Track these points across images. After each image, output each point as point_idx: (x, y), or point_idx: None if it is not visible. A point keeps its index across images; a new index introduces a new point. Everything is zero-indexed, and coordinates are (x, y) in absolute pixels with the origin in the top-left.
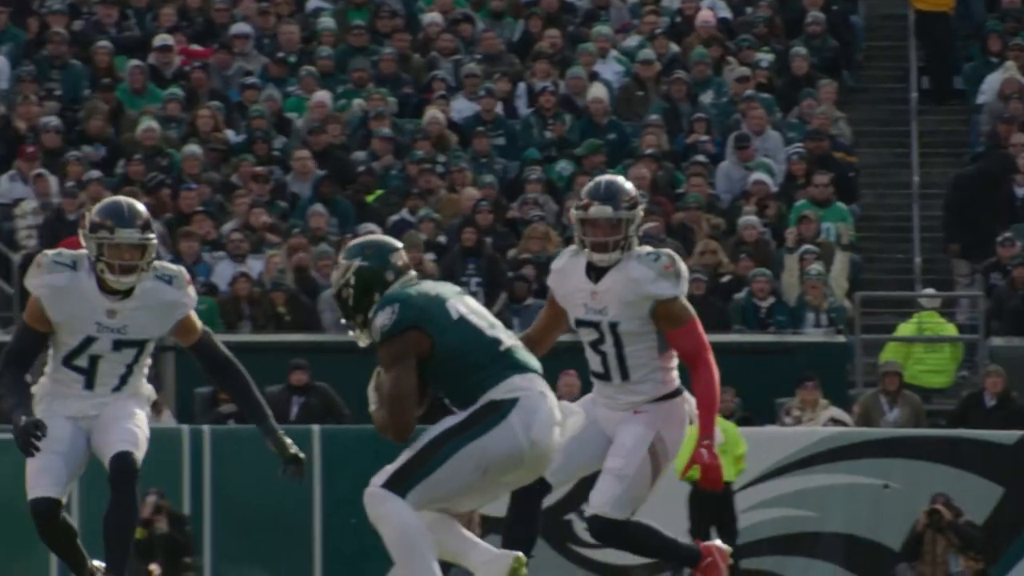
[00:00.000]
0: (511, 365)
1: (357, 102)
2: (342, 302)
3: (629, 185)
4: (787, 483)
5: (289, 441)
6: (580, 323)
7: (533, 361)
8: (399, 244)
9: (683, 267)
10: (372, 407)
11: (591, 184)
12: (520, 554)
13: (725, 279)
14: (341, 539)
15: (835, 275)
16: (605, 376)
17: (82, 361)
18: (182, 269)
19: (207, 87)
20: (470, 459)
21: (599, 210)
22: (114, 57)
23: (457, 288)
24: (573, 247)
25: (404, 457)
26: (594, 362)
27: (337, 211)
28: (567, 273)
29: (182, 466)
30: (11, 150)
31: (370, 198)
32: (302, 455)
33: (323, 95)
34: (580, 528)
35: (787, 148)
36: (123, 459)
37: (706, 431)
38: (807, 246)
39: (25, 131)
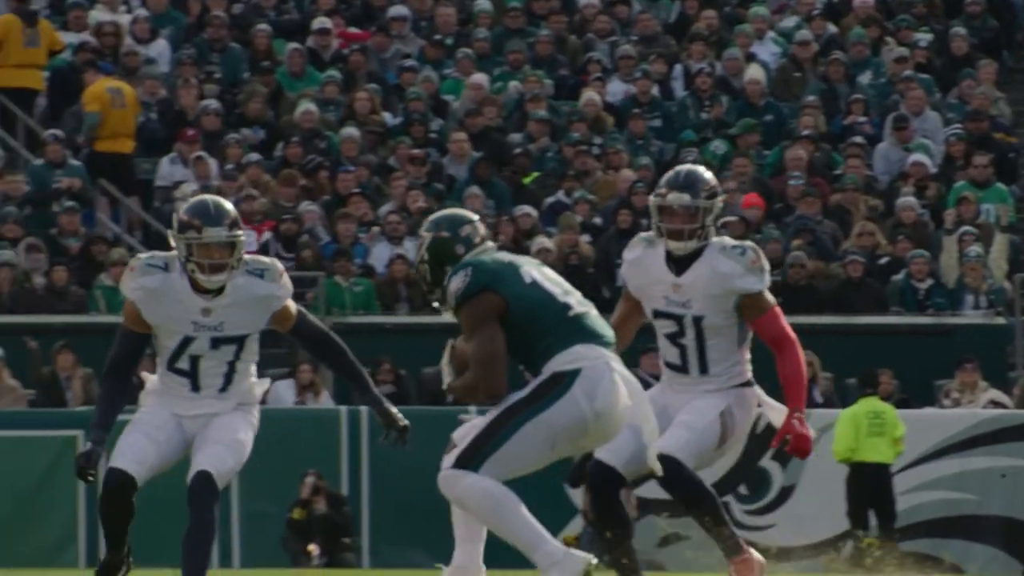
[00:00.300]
0: (578, 331)
1: (513, 84)
2: (421, 276)
3: (709, 175)
4: (946, 465)
5: (395, 410)
6: (659, 315)
7: (603, 329)
8: (473, 217)
9: (765, 260)
10: (447, 380)
11: (671, 172)
12: (593, 558)
13: (883, 261)
14: None
15: (994, 256)
16: (682, 369)
17: (184, 363)
18: (274, 261)
19: (365, 69)
20: (537, 433)
21: (677, 197)
22: (273, 40)
23: (535, 260)
24: (645, 236)
25: (471, 436)
26: (671, 354)
27: (493, 193)
28: (644, 264)
29: (340, 447)
30: (172, 133)
31: (526, 180)
32: (406, 423)
33: (480, 77)
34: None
35: (946, 129)
36: (201, 479)
37: (796, 403)
38: (966, 227)
39: (185, 113)
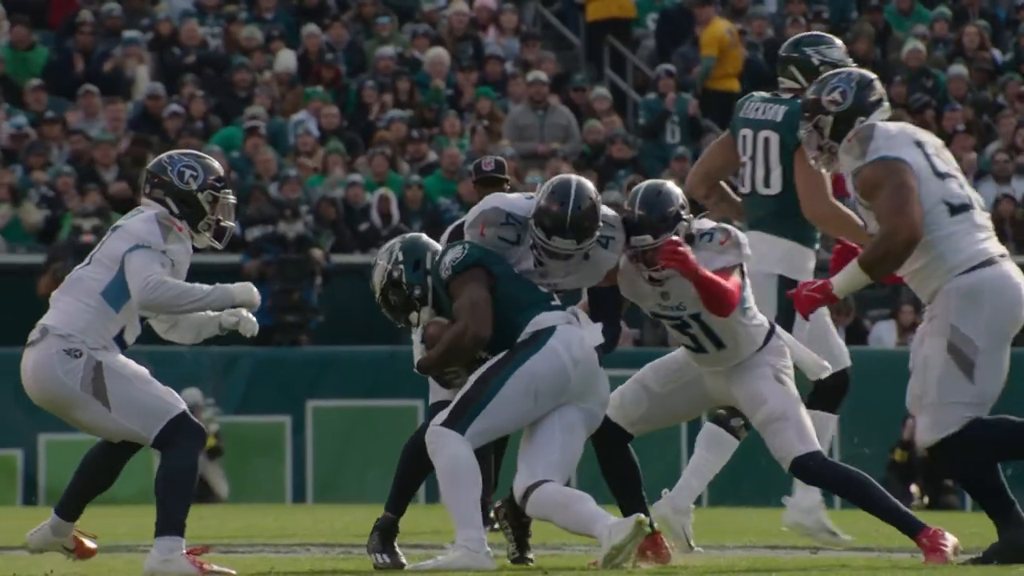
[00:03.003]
0: (556, 309)
1: None
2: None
3: (672, 196)
4: None
5: None
6: (658, 316)
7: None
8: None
9: (738, 234)
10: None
11: (630, 197)
12: (641, 516)
13: None
14: None
15: None
16: (700, 350)
17: None
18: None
19: (976, 5)
20: (519, 385)
21: (639, 240)
22: None
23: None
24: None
25: (458, 396)
26: (683, 340)
27: None
28: (629, 275)
29: None
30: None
31: None
32: None
33: None
34: None
35: None
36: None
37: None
38: None
39: None
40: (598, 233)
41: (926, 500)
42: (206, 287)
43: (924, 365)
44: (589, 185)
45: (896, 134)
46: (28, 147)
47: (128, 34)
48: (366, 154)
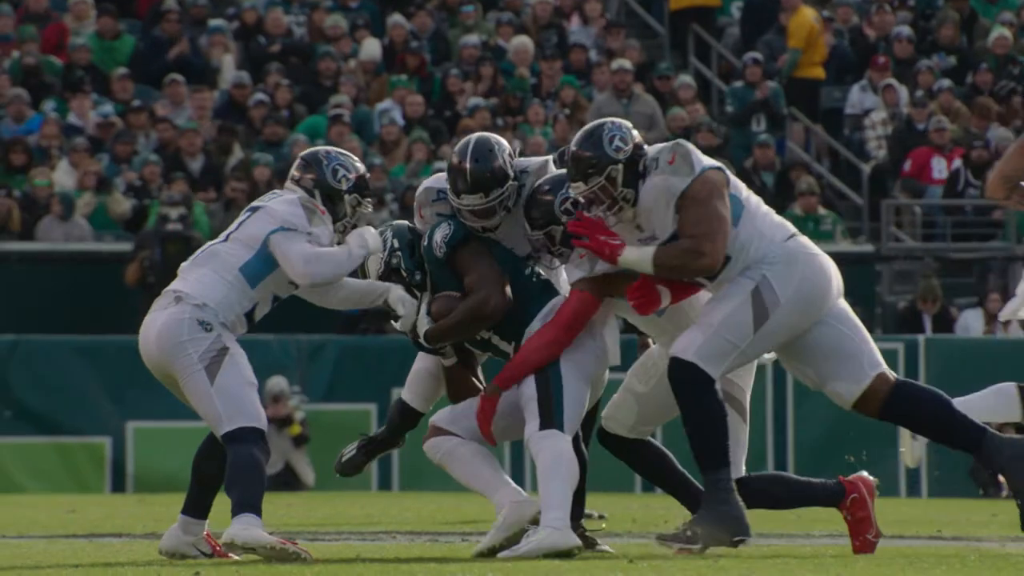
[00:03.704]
0: (549, 290)
1: None
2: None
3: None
4: None
5: None
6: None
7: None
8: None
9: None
10: (424, 328)
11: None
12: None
13: None
14: None
15: None
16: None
17: None
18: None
19: None
20: (573, 372)
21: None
22: None
23: None
24: None
25: (532, 405)
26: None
27: None
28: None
29: None
30: (863, 60)
31: None
32: None
33: None
34: None
35: None
36: None
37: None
38: None
39: (876, 40)
40: (509, 184)
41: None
42: (344, 247)
43: (722, 296)
44: (494, 138)
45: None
46: (115, 136)
47: (213, 23)
48: (450, 142)
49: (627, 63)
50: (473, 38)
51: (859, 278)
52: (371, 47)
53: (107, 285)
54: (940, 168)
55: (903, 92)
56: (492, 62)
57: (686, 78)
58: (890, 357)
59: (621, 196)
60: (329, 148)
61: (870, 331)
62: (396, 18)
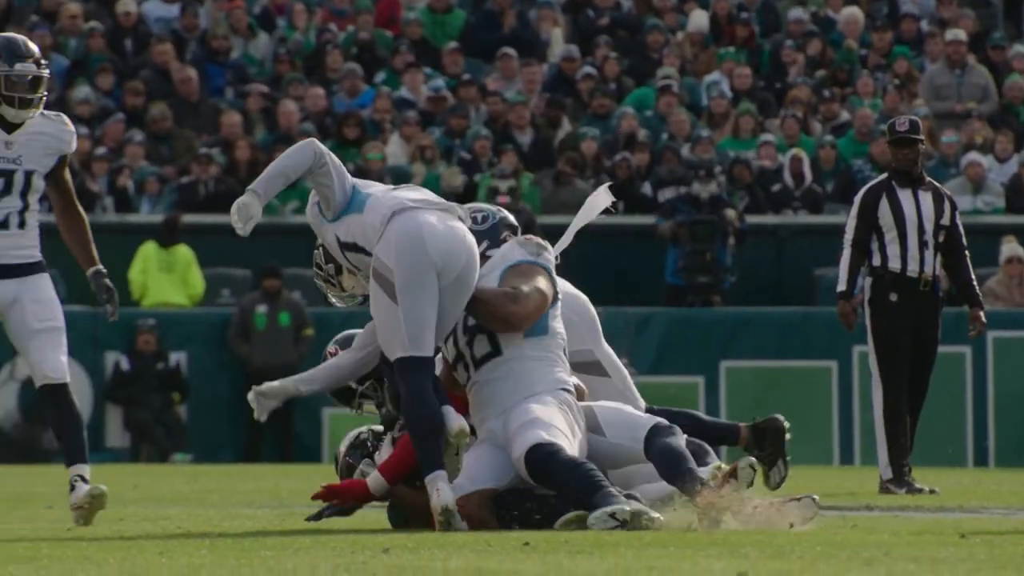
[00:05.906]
0: None
1: None
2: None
3: None
4: None
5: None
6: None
7: None
8: None
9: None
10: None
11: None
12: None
13: None
14: None
15: None
16: None
17: None
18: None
19: None
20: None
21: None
22: None
23: None
24: None
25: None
26: None
27: None
28: None
29: None
30: None
31: None
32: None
33: None
34: None
35: None
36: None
37: None
38: None
39: None
40: None
41: None
42: None
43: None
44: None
45: None
46: (448, 110)
47: None
48: (778, 115)
49: (961, 33)
50: (801, 10)
51: None
52: (699, 19)
53: None
54: None
55: None
56: (820, 34)
57: (1021, 47)
58: None
59: None
60: None
61: None
62: None
